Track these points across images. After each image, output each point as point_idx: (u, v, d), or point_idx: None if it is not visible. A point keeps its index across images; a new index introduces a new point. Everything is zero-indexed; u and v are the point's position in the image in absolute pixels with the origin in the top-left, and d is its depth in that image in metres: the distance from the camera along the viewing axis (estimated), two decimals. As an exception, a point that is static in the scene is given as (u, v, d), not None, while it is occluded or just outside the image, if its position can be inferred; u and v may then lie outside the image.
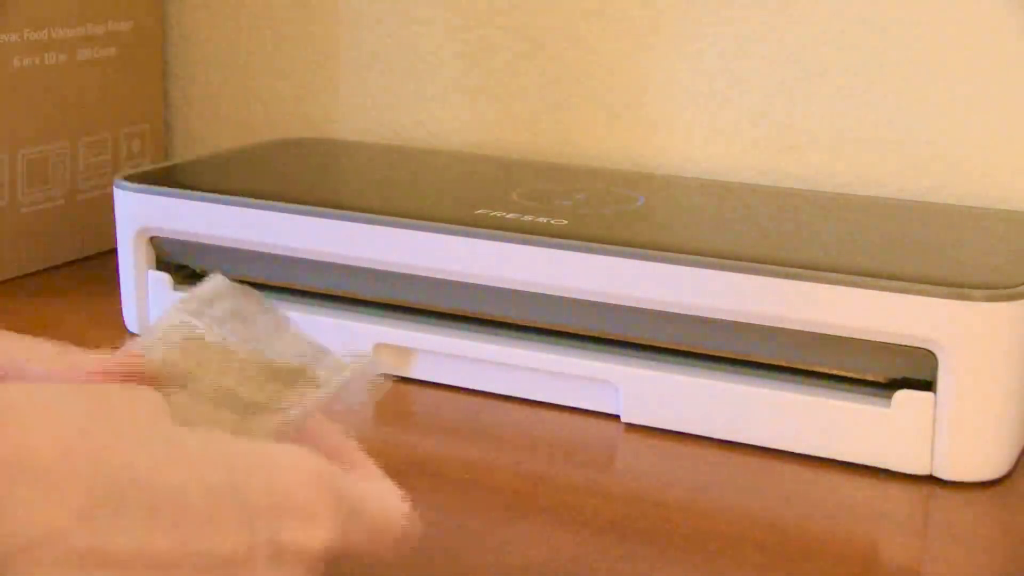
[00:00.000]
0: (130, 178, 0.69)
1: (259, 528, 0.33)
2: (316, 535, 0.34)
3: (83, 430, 0.32)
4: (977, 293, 0.52)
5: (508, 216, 0.62)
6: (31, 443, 0.30)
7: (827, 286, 0.54)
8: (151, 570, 0.31)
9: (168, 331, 0.40)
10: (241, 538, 0.33)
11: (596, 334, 0.60)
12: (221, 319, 0.41)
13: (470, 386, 0.62)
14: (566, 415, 0.60)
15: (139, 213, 0.68)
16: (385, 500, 0.38)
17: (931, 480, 0.54)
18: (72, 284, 0.78)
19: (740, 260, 0.56)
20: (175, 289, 0.68)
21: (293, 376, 0.40)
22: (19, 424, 0.31)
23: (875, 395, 0.55)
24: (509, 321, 0.62)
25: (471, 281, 0.61)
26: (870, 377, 0.56)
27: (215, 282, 0.42)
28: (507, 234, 0.59)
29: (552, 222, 0.61)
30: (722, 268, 0.56)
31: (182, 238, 0.67)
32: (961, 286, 0.52)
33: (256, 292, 0.42)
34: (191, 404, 0.39)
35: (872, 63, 0.75)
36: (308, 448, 0.36)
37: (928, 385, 0.54)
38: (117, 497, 0.31)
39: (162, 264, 0.68)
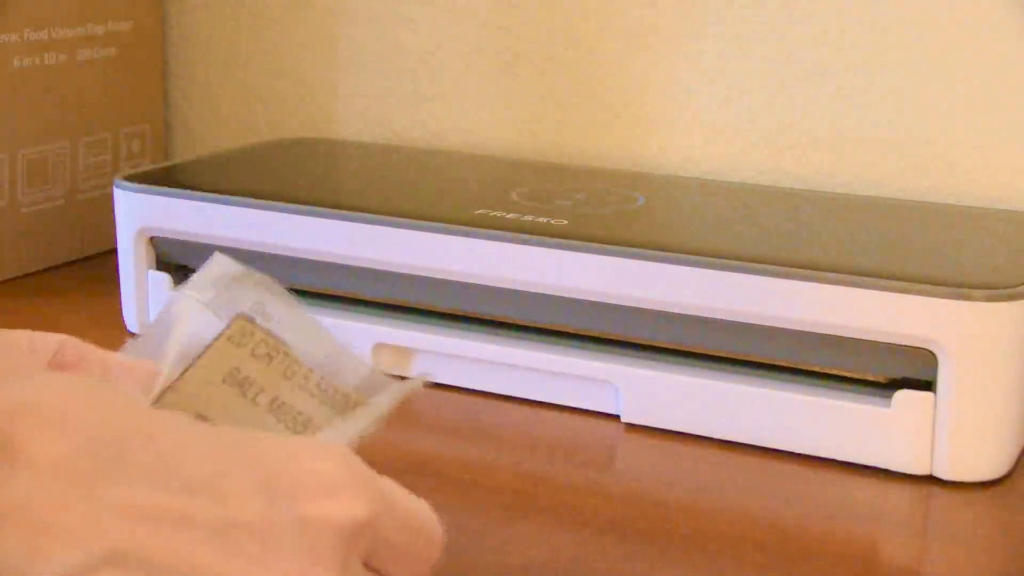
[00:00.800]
0: (130, 178, 0.69)
1: (278, 498, 0.32)
2: (344, 507, 0.33)
3: (89, 392, 0.32)
4: (977, 293, 0.52)
5: (508, 216, 0.62)
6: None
7: (827, 286, 0.54)
8: (156, 523, 0.31)
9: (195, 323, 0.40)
10: (256, 506, 0.32)
11: (596, 334, 0.60)
12: (252, 312, 0.40)
13: (470, 386, 0.62)
14: (566, 415, 0.60)
15: (139, 213, 0.68)
16: (417, 502, 0.37)
17: (931, 480, 0.54)
18: (72, 284, 0.79)
19: (740, 260, 0.56)
20: (175, 289, 0.68)
21: (345, 398, 0.39)
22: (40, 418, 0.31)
23: (875, 395, 0.55)
24: (509, 321, 0.62)
25: (471, 281, 0.61)
26: (870, 377, 0.56)
27: (221, 264, 0.41)
28: (507, 234, 0.59)
29: (552, 222, 0.61)
30: (722, 268, 0.56)
31: (182, 238, 0.67)
32: (961, 286, 0.52)
33: (262, 276, 0.41)
34: (236, 406, 0.38)
35: (872, 63, 0.75)
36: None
37: (928, 385, 0.54)
38: (120, 445, 0.31)
39: (162, 264, 0.68)
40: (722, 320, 0.57)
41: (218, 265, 0.41)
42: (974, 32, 0.73)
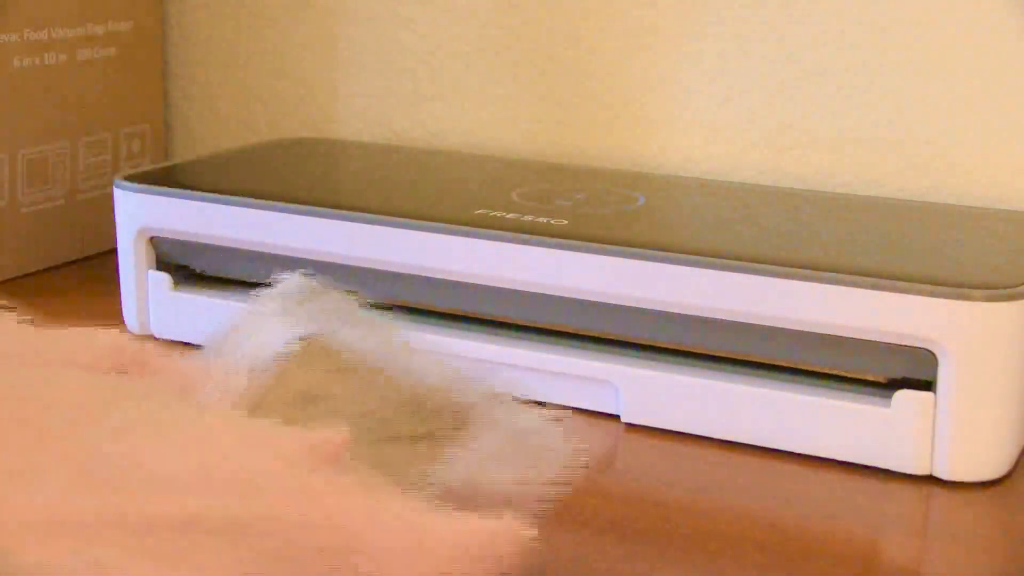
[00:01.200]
0: (130, 178, 0.69)
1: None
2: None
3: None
4: (977, 293, 0.52)
5: (508, 216, 0.62)
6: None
7: (827, 286, 0.54)
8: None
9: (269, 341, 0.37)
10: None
11: (596, 334, 0.60)
12: (331, 327, 0.38)
13: (470, 386, 0.62)
14: (566, 415, 0.60)
15: (139, 213, 0.68)
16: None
17: (931, 480, 0.54)
18: (72, 284, 0.78)
19: (740, 260, 0.56)
20: (174, 289, 0.68)
21: (459, 415, 0.37)
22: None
23: (875, 395, 0.55)
24: (509, 321, 0.62)
25: (471, 281, 0.61)
26: (870, 377, 0.56)
27: (298, 282, 0.39)
28: (507, 234, 0.59)
29: (552, 222, 0.61)
30: (722, 268, 0.56)
31: (182, 238, 0.67)
32: (961, 286, 0.52)
33: (340, 294, 0.39)
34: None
35: (872, 63, 0.75)
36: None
37: (928, 385, 0.54)
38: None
39: (162, 264, 0.68)
40: (722, 320, 0.56)
41: (292, 283, 0.39)
42: (974, 32, 0.73)
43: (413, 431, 0.36)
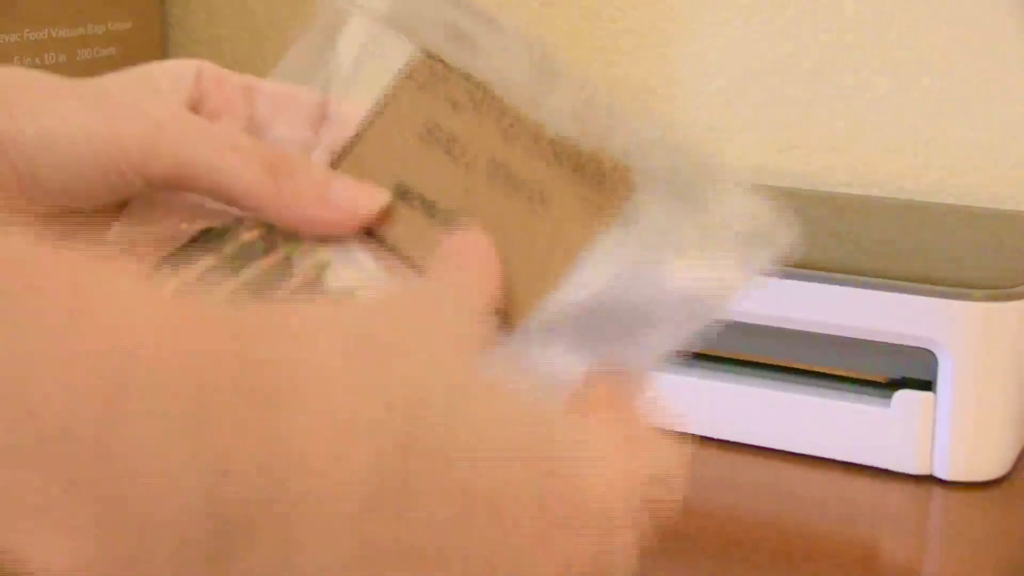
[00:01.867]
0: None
1: (559, 542, 0.28)
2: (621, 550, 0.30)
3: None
4: (977, 293, 0.52)
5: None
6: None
7: (827, 286, 0.54)
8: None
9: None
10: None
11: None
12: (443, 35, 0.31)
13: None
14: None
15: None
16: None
17: (931, 480, 0.54)
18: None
19: (740, 260, 0.56)
20: None
21: (585, 157, 0.29)
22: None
23: (875, 395, 0.55)
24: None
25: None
26: (870, 377, 0.56)
27: None
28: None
29: (552, 222, 0.61)
30: (722, 268, 0.56)
31: (182, 238, 0.67)
32: (961, 286, 0.52)
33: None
34: (448, 177, 0.30)
35: (872, 63, 0.75)
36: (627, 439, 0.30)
37: (928, 385, 0.54)
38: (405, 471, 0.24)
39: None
40: (722, 320, 0.56)
41: None
42: (974, 32, 0.73)
43: (568, 193, 0.29)
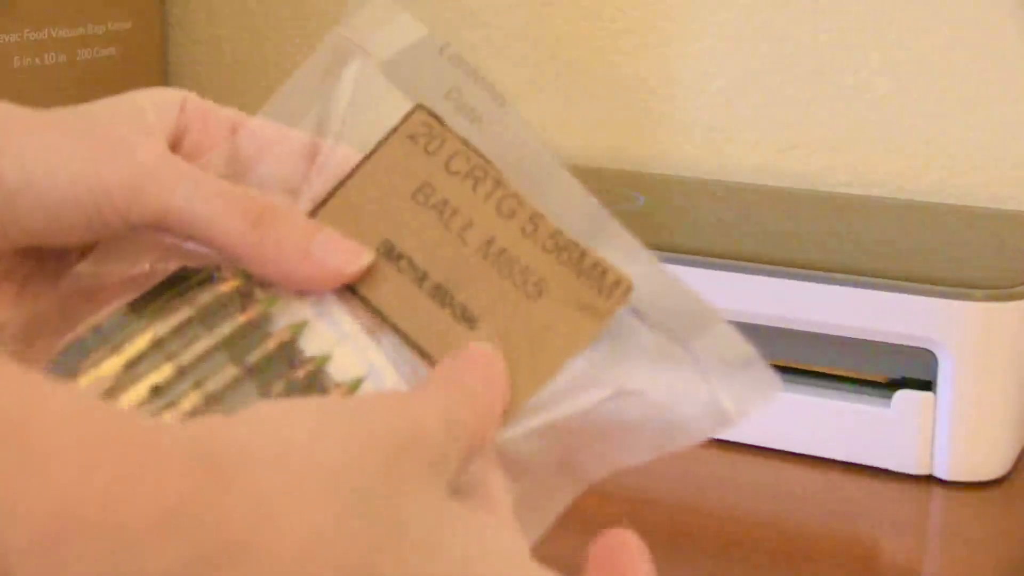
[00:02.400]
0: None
1: None
2: None
3: (339, 516, 0.24)
4: (977, 293, 0.52)
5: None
6: (273, 529, 0.23)
7: (828, 286, 0.54)
8: None
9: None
10: None
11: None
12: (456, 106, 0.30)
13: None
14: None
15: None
16: None
17: (931, 480, 0.54)
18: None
19: (740, 260, 0.56)
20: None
21: (582, 255, 0.29)
22: (265, 494, 0.23)
23: (875, 395, 0.55)
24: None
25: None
26: (870, 377, 0.56)
27: (405, 24, 0.31)
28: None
29: (552, 222, 0.61)
30: (722, 268, 0.56)
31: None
32: (961, 286, 0.52)
33: (458, 52, 0.30)
34: (424, 246, 0.29)
35: (872, 63, 0.75)
36: None
37: (928, 385, 0.54)
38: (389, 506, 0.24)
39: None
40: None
41: (403, 24, 0.31)
42: (974, 32, 0.73)
43: (565, 290, 0.29)
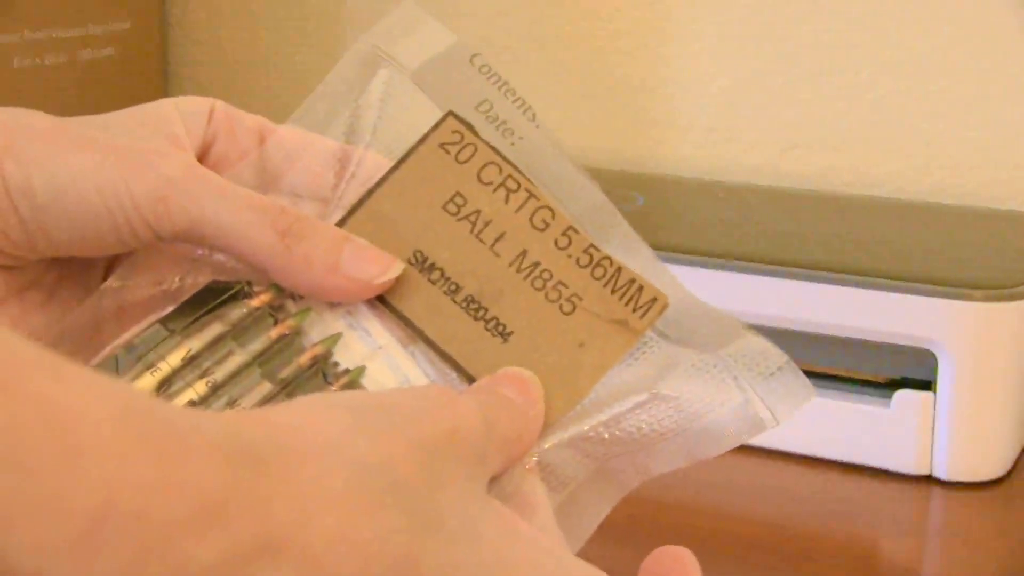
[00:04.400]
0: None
1: None
2: None
3: (375, 508, 0.24)
4: (977, 293, 0.52)
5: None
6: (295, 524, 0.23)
7: (828, 286, 0.54)
8: None
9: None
10: None
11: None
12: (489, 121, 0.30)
13: (470, 386, 0.62)
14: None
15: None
16: None
17: (930, 480, 0.54)
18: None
19: (740, 260, 0.56)
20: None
21: (616, 270, 0.29)
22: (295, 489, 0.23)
23: (875, 395, 0.55)
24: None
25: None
26: (870, 377, 0.56)
27: (436, 31, 0.30)
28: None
29: (552, 222, 0.61)
30: (722, 268, 0.56)
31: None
32: (961, 286, 0.52)
33: (488, 63, 0.30)
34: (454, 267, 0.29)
35: (872, 63, 0.75)
36: None
37: (928, 385, 0.54)
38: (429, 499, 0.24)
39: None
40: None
41: (431, 32, 0.31)
42: (974, 32, 0.73)
43: (600, 305, 0.29)
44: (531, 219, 0.29)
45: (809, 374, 0.57)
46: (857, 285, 0.53)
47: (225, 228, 0.31)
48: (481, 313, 0.29)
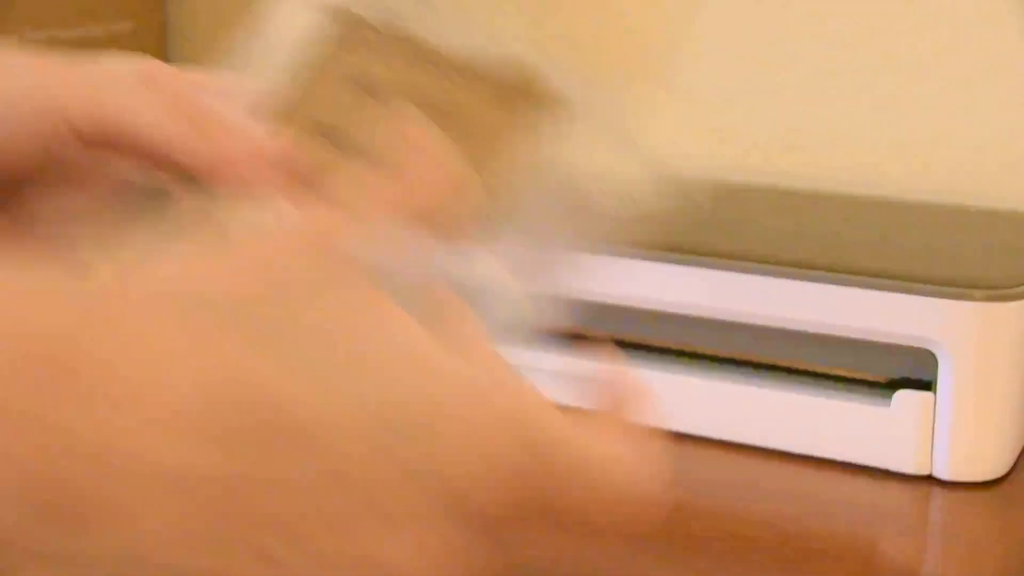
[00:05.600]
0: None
1: (423, 497, 0.26)
2: (490, 496, 0.27)
3: (201, 334, 0.24)
4: (977, 293, 0.52)
5: (508, 216, 0.62)
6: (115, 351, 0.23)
7: (828, 286, 0.54)
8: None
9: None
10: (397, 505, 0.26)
11: (596, 335, 0.60)
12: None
13: (470, 386, 0.62)
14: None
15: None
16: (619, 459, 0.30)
17: (930, 480, 0.54)
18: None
19: (740, 260, 0.56)
20: None
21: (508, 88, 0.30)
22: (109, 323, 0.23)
23: (875, 395, 0.55)
24: (509, 321, 0.62)
25: (471, 281, 0.61)
26: (870, 377, 0.56)
27: None
28: (507, 234, 0.59)
29: (552, 222, 0.61)
30: (722, 268, 0.56)
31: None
32: (961, 286, 0.52)
33: None
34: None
35: (872, 63, 0.75)
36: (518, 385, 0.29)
37: (928, 385, 0.54)
38: (228, 421, 0.23)
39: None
40: (723, 320, 0.56)
41: None
42: (973, 33, 0.73)
43: (493, 120, 0.31)
44: (428, 71, 0.31)
45: (809, 374, 0.57)
46: (857, 285, 0.53)
47: (127, 109, 0.32)
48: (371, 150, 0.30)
